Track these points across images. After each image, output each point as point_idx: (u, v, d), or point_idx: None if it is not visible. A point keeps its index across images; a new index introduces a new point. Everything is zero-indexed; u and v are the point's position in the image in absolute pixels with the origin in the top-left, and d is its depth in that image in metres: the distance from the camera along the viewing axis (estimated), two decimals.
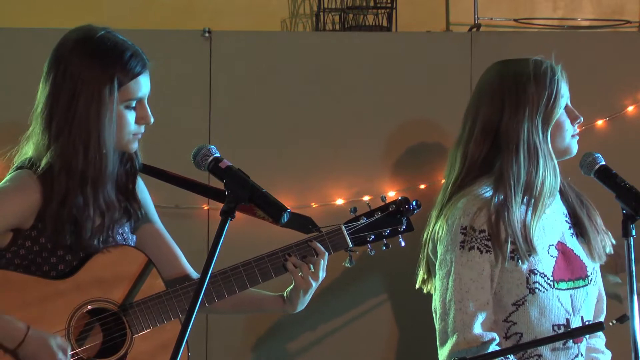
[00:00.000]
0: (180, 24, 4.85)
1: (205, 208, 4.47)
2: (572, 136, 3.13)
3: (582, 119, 3.14)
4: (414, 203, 3.06)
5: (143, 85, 2.90)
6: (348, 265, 3.05)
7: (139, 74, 2.88)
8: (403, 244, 3.06)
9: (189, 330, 2.52)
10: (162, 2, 4.96)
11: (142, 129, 2.93)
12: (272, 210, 2.64)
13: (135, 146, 2.94)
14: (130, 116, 2.89)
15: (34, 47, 4.48)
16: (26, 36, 4.52)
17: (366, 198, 4.56)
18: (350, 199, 4.57)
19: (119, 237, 2.95)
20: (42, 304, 2.82)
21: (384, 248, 3.06)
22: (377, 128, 4.59)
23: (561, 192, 3.18)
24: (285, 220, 2.64)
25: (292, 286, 3.01)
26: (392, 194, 4.58)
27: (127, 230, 2.99)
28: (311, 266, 2.97)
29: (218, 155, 2.72)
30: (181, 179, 3.10)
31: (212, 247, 2.54)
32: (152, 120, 2.92)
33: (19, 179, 2.87)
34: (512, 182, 3.03)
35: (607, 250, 3.18)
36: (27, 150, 2.93)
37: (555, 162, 3.09)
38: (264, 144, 4.57)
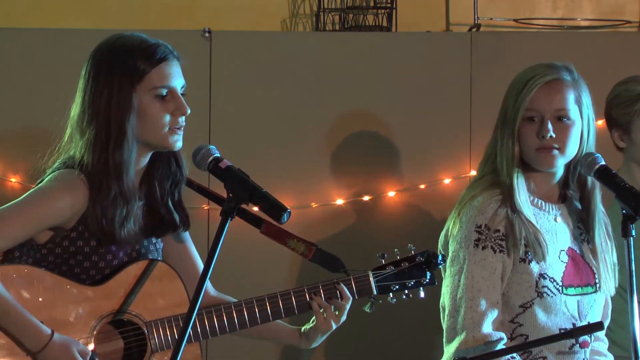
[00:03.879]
0: (180, 24, 4.85)
1: (205, 208, 4.46)
2: (537, 149, 3.01)
3: (549, 135, 2.98)
4: (440, 257, 3.05)
5: (169, 74, 2.85)
6: (368, 310, 3.04)
7: (161, 60, 2.84)
8: (422, 295, 3.05)
9: (189, 330, 2.52)
10: (162, 2, 4.96)
11: (182, 121, 2.86)
12: (272, 210, 2.63)
13: (176, 141, 2.86)
14: (162, 106, 2.83)
15: (33, 47, 4.48)
16: (25, 36, 4.52)
17: (366, 198, 4.57)
18: (350, 199, 4.57)
19: (151, 247, 2.94)
20: (69, 307, 2.81)
21: (404, 297, 3.05)
22: (377, 128, 4.59)
23: (572, 205, 3.14)
24: (285, 220, 2.63)
25: (312, 324, 3.00)
26: (392, 194, 4.58)
27: (158, 240, 2.97)
28: (334, 308, 2.97)
29: (218, 155, 2.70)
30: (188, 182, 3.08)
31: (212, 247, 2.54)
32: (188, 110, 2.85)
33: (67, 180, 2.82)
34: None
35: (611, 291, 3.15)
36: (69, 147, 2.88)
37: (517, 171, 3.02)
38: (264, 144, 4.57)
